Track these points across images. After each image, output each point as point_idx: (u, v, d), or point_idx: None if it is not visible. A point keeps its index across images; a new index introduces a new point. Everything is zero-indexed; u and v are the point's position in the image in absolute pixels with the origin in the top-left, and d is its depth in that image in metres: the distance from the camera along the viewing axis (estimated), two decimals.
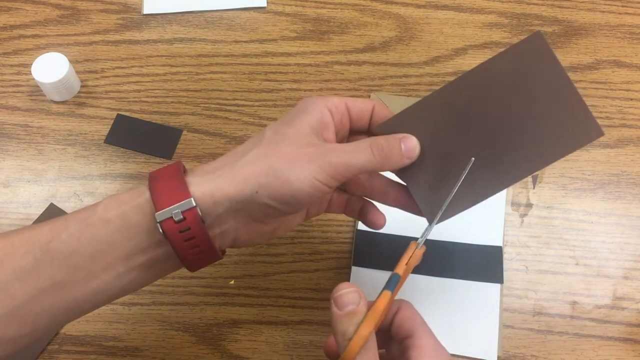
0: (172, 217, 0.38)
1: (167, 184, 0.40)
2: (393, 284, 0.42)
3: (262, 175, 0.40)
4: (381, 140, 0.43)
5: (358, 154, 0.42)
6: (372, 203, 0.50)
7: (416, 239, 0.61)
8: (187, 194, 0.39)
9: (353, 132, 0.47)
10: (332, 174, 0.41)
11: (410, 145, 0.44)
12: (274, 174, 0.40)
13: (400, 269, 0.44)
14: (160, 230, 0.39)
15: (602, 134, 0.44)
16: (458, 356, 0.55)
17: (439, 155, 0.46)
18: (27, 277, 0.39)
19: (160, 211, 0.39)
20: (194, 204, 0.39)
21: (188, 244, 0.40)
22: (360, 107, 0.46)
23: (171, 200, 0.39)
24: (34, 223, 0.61)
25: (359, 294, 0.40)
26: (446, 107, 0.45)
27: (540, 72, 0.44)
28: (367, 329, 0.39)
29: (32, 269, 0.39)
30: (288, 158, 0.40)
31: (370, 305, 0.41)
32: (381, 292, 0.42)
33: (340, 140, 0.46)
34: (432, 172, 0.46)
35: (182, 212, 0.39)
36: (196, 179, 0.40)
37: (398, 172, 0.47)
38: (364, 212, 0.50)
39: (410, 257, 0.44)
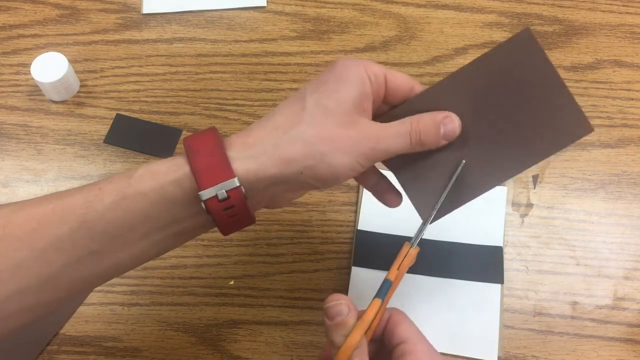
0: (216, 195, 0.39)
1: (208, 159, 0.39)
2: (383, 292, 0.43)
3: (308, 158, 0.40)
4: (419, 126, 0.43)
5: (398, 140, 0.43)
6: (387, 180, 0.50)
7: None
8: (231, 173, 0.39)
9: (386, 103, 0.46)
10: (372, 158, 0.42)
11: (449, 127, 0.44)
12: (320, 158, 0.40)
13: (392, 274, 0.44)
14: (204, 207, 0.39)
15: (591, 130, 0.44)
16: (458, 356, 0.55)
17: (431, 152, 0.45)
18: (63, 246, 0.39)
19: (205, 190, 0.39)
20: (238, 184, 0.39)
21: (228, 215, 0.40)
22: (398, 83, 0.45)
23: (215, 178, 0.39)
24: None
25: (347, 305, 0.41)
26: (439, 104, 0.45)
27: (530, 69, 0.44)
28: (355, 339, 0.40)
29: (68, 239, 0.39)
30: (333, 141, 0.41)
31: (361, 314, 0.41)
32: (372, 301, 0.42)
33: (375, 109, 0.45)
34: (424, 169, 0.46)
35: (227, 192, 0.39)
36: (238, 154, 0.40)
37: (392, 168, 0.47)
38: (379, 189, 0.50)
39: (403, 259, 0.45)
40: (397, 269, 0.44)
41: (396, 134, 0.43)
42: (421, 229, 0.46)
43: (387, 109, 0.46)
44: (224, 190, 0.39)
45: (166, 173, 0.39)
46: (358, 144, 0.41)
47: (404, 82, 0.46)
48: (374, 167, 0.49)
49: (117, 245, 0.40)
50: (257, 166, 0.40)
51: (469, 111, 0.45)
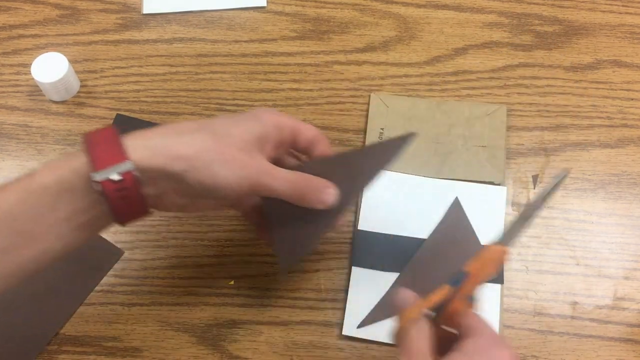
0: (110, 178, 0.41)
1: (104, 147, 0.42)
2: (453, 280, 0.45)
3: (196, 160, 0.43)
4: (303, 181, 0.48)
5: (281, 184, 0.47)
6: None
7: (416, 239, 0.61)
8: (124, 157, 0.42)
9: (292, 150, 0.52)
10: (254, 186, 0.46)
11: (327, 197, 0.49)
12: (207, 164, 0.44)
13: (469, 266, 0.46)
14: (98, 189, 0.41)
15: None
16: None
17: (306, 215, 0.50)
18: None
19: (98, 171, 0.41)
20: (131, 167, 0.42)
21: (121, 197, 0.42)
22: (305, 134, 0.50)
23: (109, 161, 0.42)
24: None
25: (413, 296, 0.46)
26: (330, 174, 0.50)
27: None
28: (412, 312, 0.44)
29: None
30: (224, 156, 0.44)
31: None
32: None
33: (278, 154, 0.50)
34: (296, 227, 0.51)
35: (120, 173, 0.41)
36: (134, 142, 0.43)
37: (267, 210, 0.52)
38: (254, 220, 0.55)
39: (487, 255, 0.46)
40: (479, 263, 0.45)
41: (283, 178, 0.47)
42: (517, 226, 0.47)
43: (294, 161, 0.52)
44: (116, 173, 0.41)
45: (65, 164, 0.42)
46: (245, 168, 0.45)
47: (310, 134, 0.51)
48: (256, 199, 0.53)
49: (25, 239, 0.42)
50: (150, 154, 0.43)
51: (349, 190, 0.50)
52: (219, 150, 0.44)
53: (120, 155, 0.42)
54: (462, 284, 0.45)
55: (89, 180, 0.41)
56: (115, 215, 0.44)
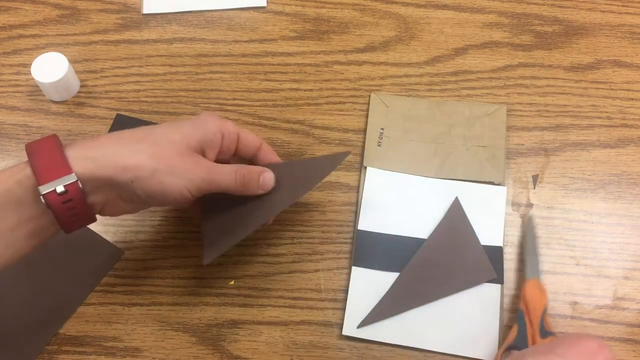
0: (55, 190, 0.43)
1: (47, 158, 0.44)
2: (517, 318, 0.54)
3: (142, 170, 0.45)
4: (244, 170, 0.51)
5: (225, 177, 0.50)
6: None
7: (416, 239, 0.62)
8: (68, 170, 0.44)
9: (236, 156, 0.54)
10: (200, 188, 0.48)
11: (266, 179, 0.52)
12: (152, 173, 0.45)
13: (521, 304, 0.55)
14: (43, 201, 0.43)
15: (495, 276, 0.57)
16: (458, 356, 0.55)
17: (239, 211, 0.54)
18: None
19: (43, 185, 0.43)
20: (75, 179, 0.44)
21: (67, 209, 0.44)
22: (249, 141, 0.53)
23: (53, 174, 0.43)
24: None
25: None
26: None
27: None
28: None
29: None
30: (169, 163, 0.46)
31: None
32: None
33: (222, 161, 0.52)
34: (225, 223, 0.54)
35: (65, 186, 0.43)
36: (77, 153, 0.45)
37: (204, 212, 0.55)
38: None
39: (529, 292, 0.55)
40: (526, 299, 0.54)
41: (223, 171, 0.50)
42: (533, 256, 0.58)
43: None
44: (62, 185, 0.43)
45: (10, 176, 0.44)
46: (190, 172, 0.47)
47: (254, 142, 0.54)
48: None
49: None
50: (94, 166, 0.44)
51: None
52: (162, 158, 0.46)
53: (63, 167, 0.43)
54: (525, 320, 0.53)
55: (34, 192, 0.43)
56: (61, 224, 0.45)
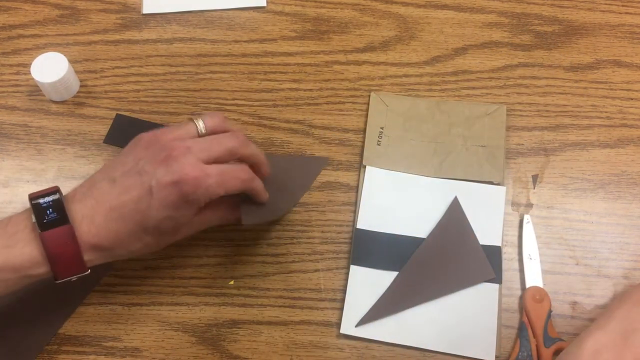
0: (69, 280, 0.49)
1: (66, 263, 0.47)
2: (520, 330, 0.55)
3: (140, 252, 0.51)
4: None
5: (220, 218, 0.55)
6: None
7: (415, 238, 0.62)
8: (84, 268, 0.48)
9: None
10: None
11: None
12: (155, 247, 0.51)
13: (523, 314, 0.56)
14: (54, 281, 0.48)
15: (493, 276, 0.57)
16: (456, 356, 0.55)
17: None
18: None
19: (60, 280, 0.48)
20: (88, 271, 0.49)
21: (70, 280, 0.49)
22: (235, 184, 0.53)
23: (71, 273, 0.48)
24: None
25: None
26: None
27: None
28: None
29: None
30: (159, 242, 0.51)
31: None
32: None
33: None
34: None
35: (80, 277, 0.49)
36: (87, 248, 0.48)
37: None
38: None
39: (529, 300, 0.56)
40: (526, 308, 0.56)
41: (219, 219, 0.54)
42: (531, 266, 0.58)
43: None
44: (76, 277, 0.49)
45: (27, 269, 0.47)
46: (184, 235, 0.53)
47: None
48: None
49: None
50: (102, 256, 0.49)
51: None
52: (162, 242, 0.52)
53: (80, 269, 0.48)
54: (528, 332, 0.54)
55: (46, 276, 0.48)
56: (58, 284, 0.49)
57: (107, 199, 0.48)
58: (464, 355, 0.54)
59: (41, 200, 0.47)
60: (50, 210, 0.47)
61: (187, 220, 0.50)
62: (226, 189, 0.49)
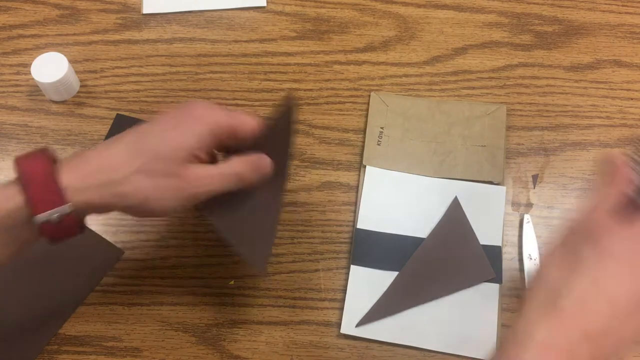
0: (49, 220, 0.43)
1: (42, 189, 0.43)
2: None
3: (132, 199, 0.45)
4: (247, 173, 0.50)
5: (223, 183, 0.48)
6: None
7: (415, 238, 0.62)
8: (63, 201, 0.43)
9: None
10: (193, 202, 0.48)
11: (262, 167, 0.51)
12: (143, 201, 0.46)
13: None
14: (36, 228, 0.44)
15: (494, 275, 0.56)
16: (457, 356, 0.55)
17: (252, 201, 0.52)
18: None
19: (39, 215, 0.43)
20: (70, 210, 0.44)
21: (61, 232, 0.45)
22: (246, 131, 0.50)
23: (49, 206, 0.43)
24: None
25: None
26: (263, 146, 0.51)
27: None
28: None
29: None
30: (158, 190, 0.46)
31: None
32: None
33: (220, 149, 0.51)
34: (249, 223, 0.52)
35: (61, 215, 0.43)
36: (73, 184, 0.44)
37: (212, 217, 0.52)
38: None
39: None
40: None
41: (221, 177, 0.48)
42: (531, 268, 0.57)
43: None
44: (57, 215, 0.43)
45: (3, 205, 0.43)
46: (181, 191, 0.47)
47: (251, 129, 0.50)
48: None
49: None
50: (89, 197, 0.44)
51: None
52: (152, 186, 0.46)
53: (58, 197, 0.43)
54: None
55: (26, 218, 0.43)
56: (50, 241, 0.45)
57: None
58: (465, 355, 0.54)
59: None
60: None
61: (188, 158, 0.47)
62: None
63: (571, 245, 0.42)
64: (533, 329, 0.39)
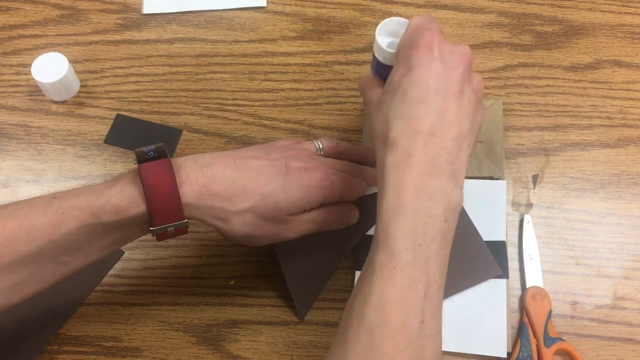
0: (166, 229, 0.47)
1: (164, 205, 0.45)
2: (520, 331, 0.56)
3: (234, 231, 0.49)
4: (334, 222, 0.54)
5: (311, 228, 0.53)
6: None
7: None
8: (182, 217, 0.46)
9: None
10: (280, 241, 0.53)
11: (352, 217, 0.55)
12: (242, 236, 0.50)
13: (524, 315, 0.56)
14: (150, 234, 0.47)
15: (500, 272, 0.57)
16: (467, 355, 0.54)
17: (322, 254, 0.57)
18: (31, 260, 0.45)
19: (157, 227, 0.46)
20: (187, 223, 0.47)
21: (171, 236, 0.48)
22: (355, 194, 0.55)
23: (167, 220, 0.46)
24: None
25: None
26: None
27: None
28: None
29: (37, 254, 0.45)
30: (259, 231, 0.50)
31: None
32: None
33: None
34: (310, 270, 0.57)
35: (174, 226, 0.47)
36: (193, 201, 0.47)
37: (280, 255, 0.57)
38: None
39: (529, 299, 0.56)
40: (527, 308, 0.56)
41: (311, 221, 0.52)
42: (531, 267, 0.59)
43: None
44: (173, 227, 0.47)
45: (126, 210, 0.45)
46: (278, 235, 0.51)
47: (357, 192, 0.55)
48: None
49: (79, 256, 0.47)
50: (201, 215, 0.48)
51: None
52: (258, 225, 0.49)
53: (178, 214, 0.46)
54: (528, 332, 0.54)
55: (144, 223, 0.46)
56: (157, 240, 0.48)
57: (229, 154, 0.50)
58: (475, 353, 0.54)
59: (144, 149, 0.47)
60: (152, 152, 0.47)
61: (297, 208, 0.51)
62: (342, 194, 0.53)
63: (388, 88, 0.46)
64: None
